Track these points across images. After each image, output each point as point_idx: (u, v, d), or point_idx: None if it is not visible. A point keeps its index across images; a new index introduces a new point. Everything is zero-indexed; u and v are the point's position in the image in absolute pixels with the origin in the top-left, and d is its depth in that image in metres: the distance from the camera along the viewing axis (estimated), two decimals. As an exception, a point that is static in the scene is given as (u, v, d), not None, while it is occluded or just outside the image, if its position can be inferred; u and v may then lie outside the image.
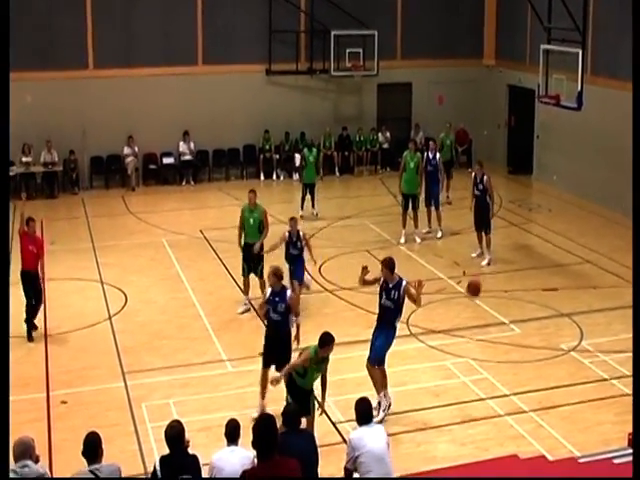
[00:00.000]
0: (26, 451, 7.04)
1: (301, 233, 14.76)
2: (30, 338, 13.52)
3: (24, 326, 13.49)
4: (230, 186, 23.62)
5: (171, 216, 20.91)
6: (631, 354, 11.35)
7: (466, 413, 11.26)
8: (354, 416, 8.05)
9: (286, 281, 12.54)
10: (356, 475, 7.88)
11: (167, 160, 24.18)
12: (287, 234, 14.61)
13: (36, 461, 7.10)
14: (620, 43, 19.64)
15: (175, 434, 7.30)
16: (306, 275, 15.11)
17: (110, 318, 14.49)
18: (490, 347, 13.35)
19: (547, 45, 19.43)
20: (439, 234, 18.99)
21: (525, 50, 24.01)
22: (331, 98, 25.43)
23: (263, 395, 11.04)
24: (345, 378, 11.76)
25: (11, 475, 6.89)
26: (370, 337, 11.24)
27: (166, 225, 19.93)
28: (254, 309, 14.17)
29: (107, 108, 22.95)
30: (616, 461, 9.80)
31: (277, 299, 10.95)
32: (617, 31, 20.04)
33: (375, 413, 10.32)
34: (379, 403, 10.95)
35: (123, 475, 7.41)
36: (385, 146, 25.74)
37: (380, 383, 11.05)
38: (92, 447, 7.14)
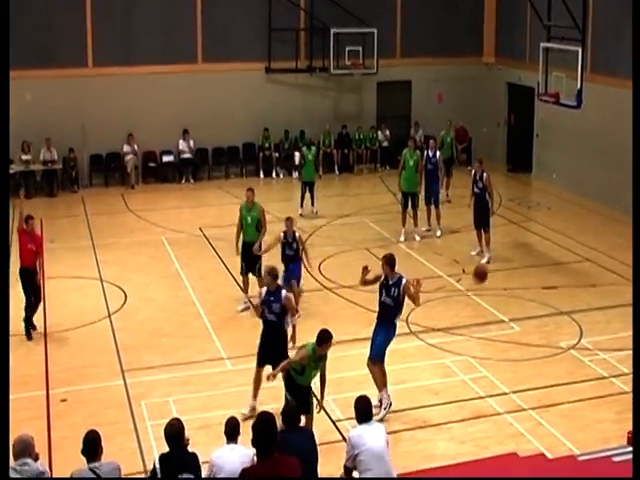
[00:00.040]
0: (26, 449, 7.05)
1: (297, 234, 14.39)
2: (29, 336, 13.51)
3: (22, 325, 13.46)
4: (230, 184, 23.59)
5: (171, 214, 20.89)
6: (631, 352, 11.37)
7: (465, 411, 11.26)
8: (354, 414, 8.04)
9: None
10: (355, 473, 7.88)
11: (167, 158, 24.17)
12: (282, 235, 14.30)
13: (36, 459, 7.11)
14: (619, 41, 19.63)
15: (175, 432, 7.30)
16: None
17: (110, 316, 14.49)
18: (489, 345, 13.35)
19: (547, 43, 19.43)
20: (438, 232, 18.98)
21: (525, 48, 23.98)
22: (331, 96, 25.41)
23: (255, 395, 11.01)
24: (344, 376, 11.77)
25: (11, 473, 6.89)
26: (370, 335, 11.25)
27: (166, 223, 19.91)
28: (253, 307, 14.16)
29: (107, 106, 22.93)
30: (615, 459, 9.78)
31: (272, 299, 10.85)
32: (616, 29, 20.02)
33: (377, 411, 10.34)
34: (380, 401, 10.95)
35: (122, 473, 7.41)
36: (385, 144, 25.71)
37: (380, 382, 11.06)
38: (92, 445, 7.14)
